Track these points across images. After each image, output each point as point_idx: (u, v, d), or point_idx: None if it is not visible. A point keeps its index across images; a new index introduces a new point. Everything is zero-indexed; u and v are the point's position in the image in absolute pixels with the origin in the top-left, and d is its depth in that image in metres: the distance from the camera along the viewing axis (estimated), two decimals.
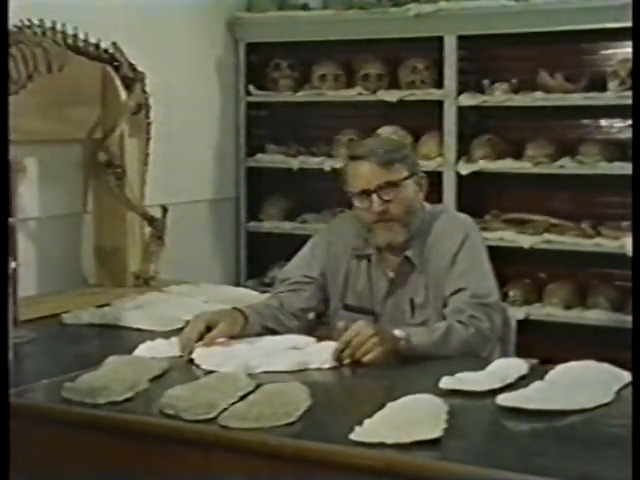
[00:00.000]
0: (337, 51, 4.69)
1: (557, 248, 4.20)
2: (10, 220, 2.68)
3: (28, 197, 3.56)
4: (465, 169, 4.30)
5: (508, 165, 4.27)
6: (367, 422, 2.00)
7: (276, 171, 4.74)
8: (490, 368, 2.41)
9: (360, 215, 2.83)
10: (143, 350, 2.68)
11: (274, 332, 2.81)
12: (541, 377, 2.33)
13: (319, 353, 2.58)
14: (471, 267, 2.79)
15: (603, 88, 4.09)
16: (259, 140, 4.80)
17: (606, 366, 2.40)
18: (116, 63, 3.75)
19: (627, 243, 3.91)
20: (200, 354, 2.59)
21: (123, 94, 3.73)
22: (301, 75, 4.72)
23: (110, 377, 2.34)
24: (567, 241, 4.17)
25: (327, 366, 2.52)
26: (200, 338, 2.63)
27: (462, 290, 2.75)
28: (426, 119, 4.44)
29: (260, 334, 2.77)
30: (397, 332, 2.58)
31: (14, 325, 2.66)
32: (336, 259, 2.95)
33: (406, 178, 2.80)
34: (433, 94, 4.38)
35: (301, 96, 4.66)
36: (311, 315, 2.93)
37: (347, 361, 2.53)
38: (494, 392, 2.22)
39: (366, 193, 2.78)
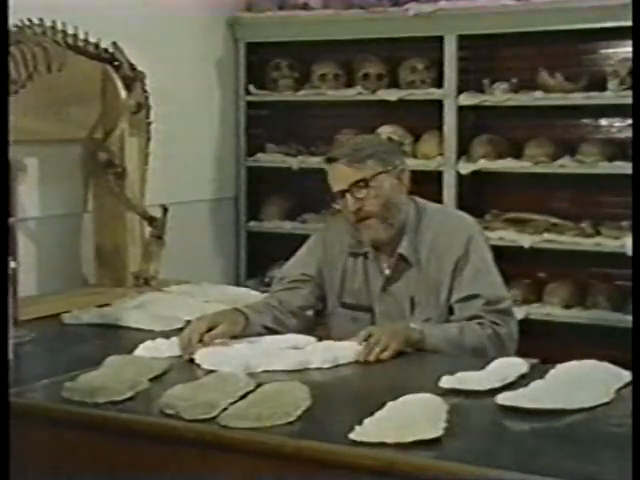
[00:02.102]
0: (337, 51, 4.68)
1: (557, 248, 4.20)
2: (10, 220, 2.68)
3: (28, 197, 3.55)
4: (465, 168, 4.29)
5: (508, 164, 4.27)
6: (367, 421, 2.01)
7: (276, 171, 4.74)
8: (490, 367, 2.42)
9: (346, 215, 2.86)
10: (143, 350, 2.68)
11: (274, 331, 2.81)
12: (541, 377, 2.33)
13: (319, 353, 2.58)
14: (480, 271, 2.80)
15: (603, 88, 4.09)
16: (259, 140, 4.80)
17: (606, 365, 2.40)
18: (116, 63, 3.75)
19: (627, 243, 3.91)
20: (200, 354, 2.59)
21: (123, 94, 3.73)
22: (301, 75, 4.71)
23: (110, 377, 2.34)
24: (567, 241, 4.16)
25: (327, 366, 2.52)
26: (201, 339, 2.64)
27: (475, 297, 2.76)
28: (426, 119, 4.43)
29: (260, 334, 2.77)
30: (412, 324, 2.67)
31: (14, 325, 2.66)
32: (332, 257, 2.96)
33: (379, 173, 2.80)
34: (433, 94, 4.38)
35: (301, 96, 4.66)
36: (309, 313, 2.94)
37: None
38: (494, 391, 2.22)
39: (342, 193, 2.80)
